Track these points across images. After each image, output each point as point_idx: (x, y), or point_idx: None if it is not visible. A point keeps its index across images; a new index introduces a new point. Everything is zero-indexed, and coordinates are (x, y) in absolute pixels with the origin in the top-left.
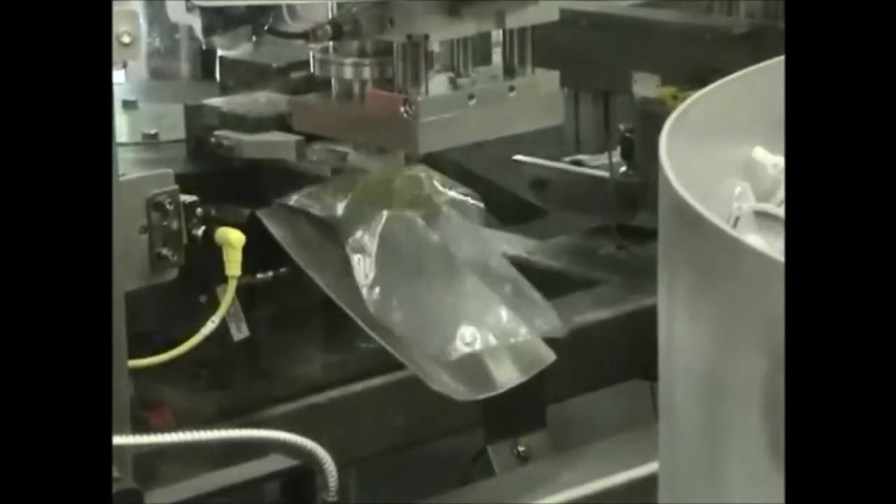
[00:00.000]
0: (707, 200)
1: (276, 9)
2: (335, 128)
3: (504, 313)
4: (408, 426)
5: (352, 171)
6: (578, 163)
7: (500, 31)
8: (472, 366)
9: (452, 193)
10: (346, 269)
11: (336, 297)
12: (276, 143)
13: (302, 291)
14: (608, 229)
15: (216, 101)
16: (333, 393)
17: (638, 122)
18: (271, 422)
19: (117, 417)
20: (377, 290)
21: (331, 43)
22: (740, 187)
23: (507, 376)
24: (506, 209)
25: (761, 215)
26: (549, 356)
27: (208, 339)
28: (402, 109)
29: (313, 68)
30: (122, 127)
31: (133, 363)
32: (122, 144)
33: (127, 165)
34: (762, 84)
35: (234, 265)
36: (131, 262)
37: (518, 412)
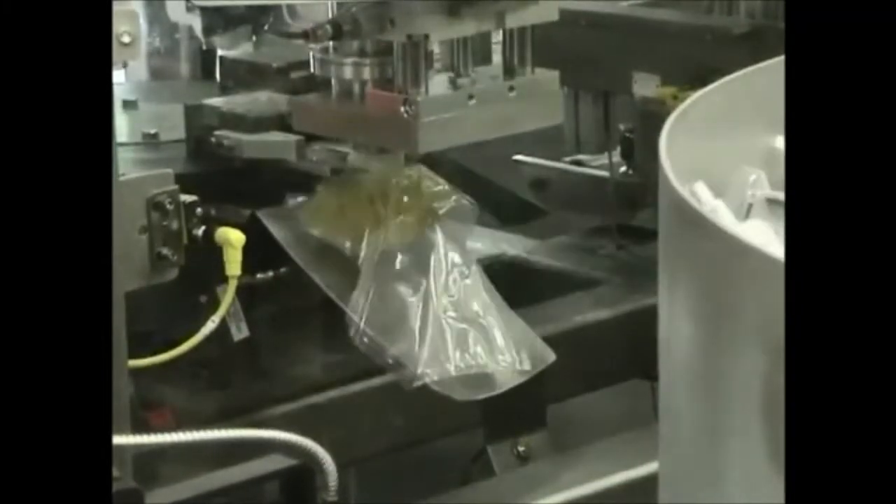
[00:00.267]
0: (723, 187)
1: (276, 9)
2: (335, 128)
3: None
4: (408, 426)
5: (352, 171)
6: (578, 163)
7: (500, 31)
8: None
9: (448, 194)
10: (346, 268)
11: (336, 297)
12: (276, 143)
13: (302, 291)
14: (608, 229)
15: (216, 101)
16: (333, 393)
17: (638, 122)
18: (271, 422)
19: (117, 417)
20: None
21: (331, 43)
22: (755, 175)
23: (507, 376)
24: (506, 209)
25: (774, 203)
26: (549, 356)
27: (208, 339)
28: (402, 109)
29: (313, 68)
30: (122, 127)
31: (133, 363)
32: (122, 144)
33: (127, 165)
34: (762, 84)
35: (234, 265)
36: (131, 262)
37: (518, 412)
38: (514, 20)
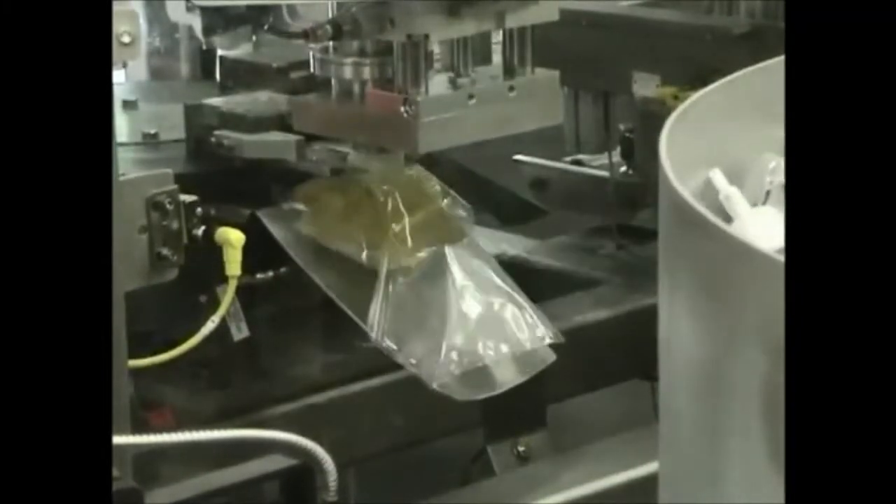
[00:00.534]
0: (742, 174)
1: (276, 9)
2: (335, 128)
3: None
4: (408, 426)
5: (352, 170)
6: (578, 163)
7: (500, 31)
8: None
9: (442, 196)
10: (346, 268)
11: (336, 297)
12: (276, 143)
13: (302, 291)
14: (608, 229)
15: (216, 101)
16: (333, 393)
17: (638, 122)
18: (271, 422)
19: (117, 417)
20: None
21: (331, 43)
22: (775, 162)
23: (507, 376)
24: (506, 209)
25: None
26: (549, 356)
27: (208, 339)
28: (402, 109)
29: (313, 68)
30: (122, 127)
31: (133, 363)
32: (122, 144)
33: (127, 165)
34: (762, 84)
35: (234, 265)
36: (131, 262)
37: (518, 412)
38: (514, 20)
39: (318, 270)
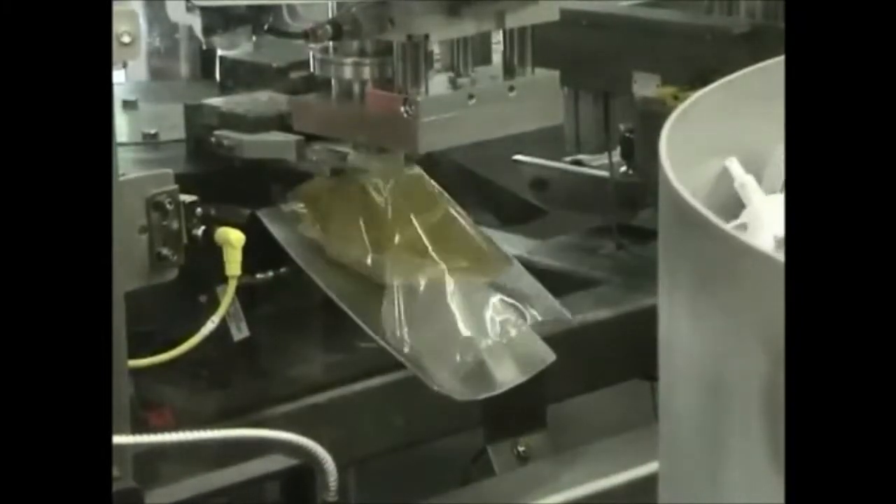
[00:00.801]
0: (761, 165)
1: (276, 9)
2: (335, 128)
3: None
4: (408, 426)
5: (352, 170)
6: (578, 163)
7: (500, 31)
8: (473, 366)
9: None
10: (347, 269)
11: (336, 297)
12: (276, 143)
13: (302, 291)
14: (608, 229)
15: (216, 101)
16: (333, 393)
17: (638, 122)
18: (271, 422)
19: (117, 417)
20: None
21: (331, 43)
22: None
23: (507, 376)
24: (506, 209)
25: None
26: (549, 356)
27: (208, 339)
28: (402, 109)
29: (313, 68)
30: (122, 127)
31: (133, 363)
32: (122, 144)
33: (127, 165)
34: (762, 84)
35: (234, 265)
36: (131, 262)
37: (518, 412)
38: (514, 20)
39: (318, 270)
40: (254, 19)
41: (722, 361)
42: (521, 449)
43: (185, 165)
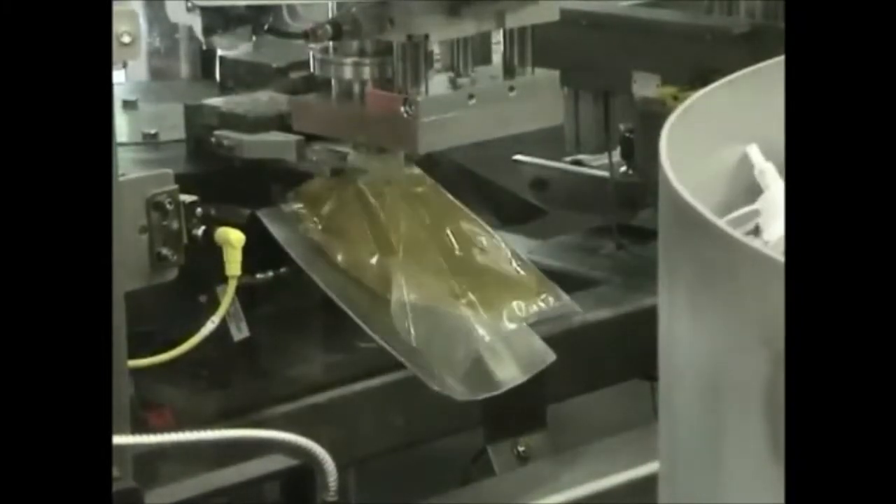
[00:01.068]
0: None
1: (276, 9)
2: (335, 128)
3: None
4: (408, 426)
5: (352, 170)
6: (578, 163)
7: (500, 31)
8: (473, 366)
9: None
10: (346, 269)
11: (336, 297)
12: (276, 143)
13: (302, 291)
14: (608, 229)
15: (216, 101)
16: (333, 393)
17: (638, 122)
18: (271, 422)
19: (117, 417)
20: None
21: (331, 43)
22: None
23: (507, 376)
24: (506, 209)
25: None
26: (549, 356)
27: (208, 339)
28: (402, 109)
29: (313, 68)
30: (122, 127)
31: (133, 363)
32: (122, 144)
33: (127, 165)
34: (762, 84)
35: (234, 265)
36: (131, 262)
37: (518, 412)
38: (514, 20)
39: (318, 271)
40: (254, 19)
41: (722, 361)
42: (521, 449)
43: (185, 165)
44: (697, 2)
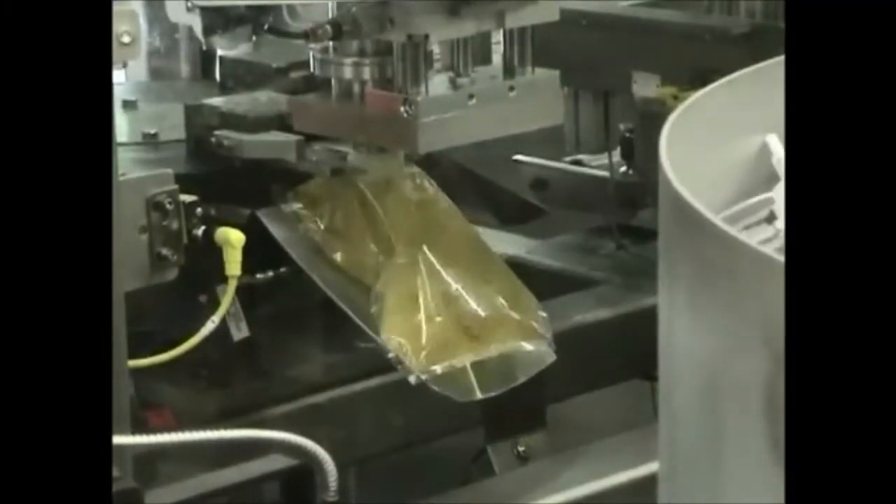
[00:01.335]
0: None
1: (276, 9)
2: (335, 128)
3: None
4: (408, 426)
5: (352, 170)
6: (578, 163)
7: (500, 31)
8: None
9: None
10: (346, 269)
11: (336, 297)
12: (276, 143)
13: (302, 291)
14: (608, 229)
15: (216, 101)
16: (333, 393)
17: (638, 122)
18: (271, 422)
19: (117, 417)
20: None
21: (331, 43)
22: None
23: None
24: (506, 209)
25: None
26: (549, 356)
27: (208, 339)
28: (402, 109)
29: (313, 68)
30: (122, 127)
31: (133, 363)
32: (122, 144)
33: (127, 165)
34: (762, 84)
35: (234, 265)
36: (131, 262)
37: (518, 412)
38: (514, 20)
39: (318, 271)
40: (254, 19)
41: (722, 361)
42: (521, 449)
43: (185, 165)
44: (697, 2)
